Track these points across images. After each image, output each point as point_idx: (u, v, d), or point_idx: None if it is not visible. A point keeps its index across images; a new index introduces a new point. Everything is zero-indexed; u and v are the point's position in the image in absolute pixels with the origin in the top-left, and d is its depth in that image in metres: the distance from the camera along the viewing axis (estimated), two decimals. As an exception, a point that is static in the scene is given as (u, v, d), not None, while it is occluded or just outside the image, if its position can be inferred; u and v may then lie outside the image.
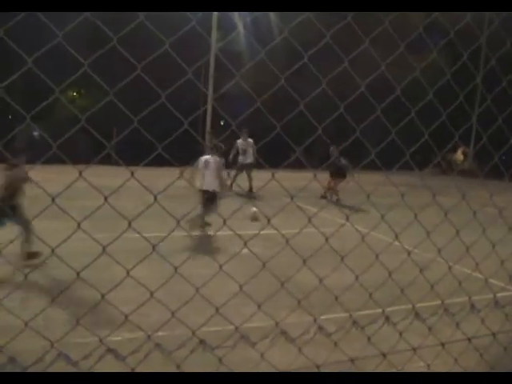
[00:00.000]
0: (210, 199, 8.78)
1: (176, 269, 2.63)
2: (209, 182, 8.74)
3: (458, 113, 5.11)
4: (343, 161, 13.17)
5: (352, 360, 3.51)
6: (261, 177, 10.59)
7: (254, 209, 9.46)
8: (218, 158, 9.07)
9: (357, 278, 3.39)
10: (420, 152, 5.34)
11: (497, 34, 4.50)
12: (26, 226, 6.04)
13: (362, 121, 3.39)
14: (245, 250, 3.31)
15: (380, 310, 4.00)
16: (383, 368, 3.59)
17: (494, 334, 4.06)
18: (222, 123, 26.24)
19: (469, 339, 3.97)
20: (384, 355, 3.53)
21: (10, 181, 5.96)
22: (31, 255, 6.09)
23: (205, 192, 8.80)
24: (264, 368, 3.36)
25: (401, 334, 3.74)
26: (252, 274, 3.41)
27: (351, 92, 3.11)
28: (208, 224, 9.03)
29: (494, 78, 4.73)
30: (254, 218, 9.65)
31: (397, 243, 4.20)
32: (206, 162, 8.96)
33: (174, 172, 2.64)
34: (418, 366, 4.20)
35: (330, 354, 3.68)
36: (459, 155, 19.50)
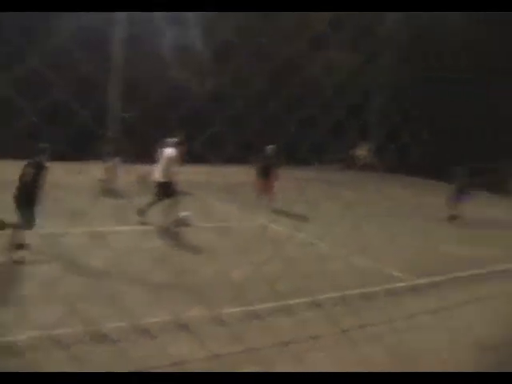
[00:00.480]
0: (160, 189, 8.52)
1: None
2: (156, 173, 8.54)
3: (360, 110, 5.35)
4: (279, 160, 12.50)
5: (253, 350, 3.57)
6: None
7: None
8: (171, 150, 8.76)
9: (257, 271, 3.45)
10: (324, 147, 5.52)
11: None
12: (31, 220, 5.85)
13: (264, 117, 3.45)
14: (150, 245, 3.26)
15: (281, 302, 4.11)
16: (285, 356, 3.66)
17: (390, 321, 4.29)
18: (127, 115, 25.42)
19: (365, 327, 4.17)
20: (285, 344, 3.64)
21: (34, 179, 5.74)
22: (20, 246, 5.90)
23: (156, 183, 8.62)
24: (166, 359, 3.32)
25: (301, 323, 3.86)
26: (154, 268, 3.38)
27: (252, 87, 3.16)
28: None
29: (394, 78, 5.00)
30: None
31: (301, 236, 4.31)
32: (162, 153, 8.71)
33: (77, 167, 2.56)
34: (318, 355, 4.34)
35: (231, 345, 3.70)
36: (361, 150, 20.27)
